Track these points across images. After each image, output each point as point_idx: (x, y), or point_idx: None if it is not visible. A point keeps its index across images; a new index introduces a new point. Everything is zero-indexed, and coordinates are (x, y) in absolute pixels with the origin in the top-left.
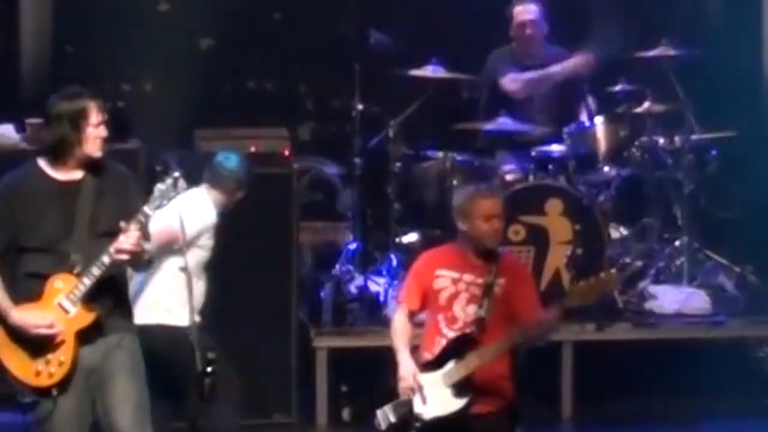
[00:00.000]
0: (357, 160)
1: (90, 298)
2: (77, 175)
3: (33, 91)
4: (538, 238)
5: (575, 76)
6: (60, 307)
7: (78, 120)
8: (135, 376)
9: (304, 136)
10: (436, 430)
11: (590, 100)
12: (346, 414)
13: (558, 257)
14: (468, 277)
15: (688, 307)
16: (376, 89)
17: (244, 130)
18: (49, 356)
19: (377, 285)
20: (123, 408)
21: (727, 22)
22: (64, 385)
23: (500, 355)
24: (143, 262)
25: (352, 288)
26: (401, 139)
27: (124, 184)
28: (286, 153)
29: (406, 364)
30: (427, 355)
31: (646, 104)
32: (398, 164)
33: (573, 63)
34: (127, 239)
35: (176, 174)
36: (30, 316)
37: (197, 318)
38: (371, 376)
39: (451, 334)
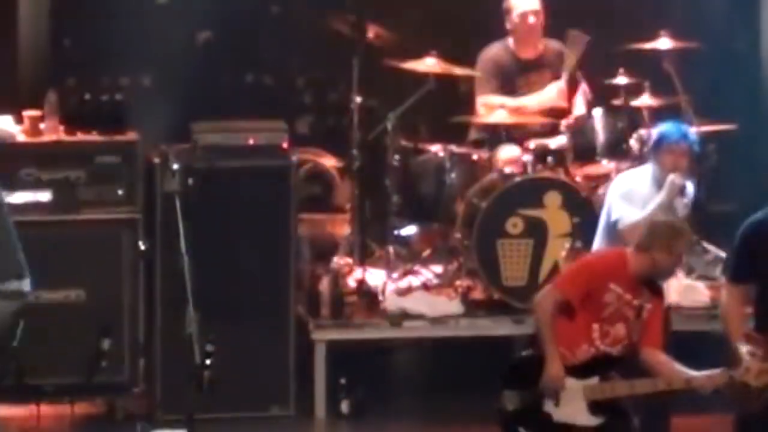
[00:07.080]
0: (355, 153)
1: None
2: None
3: (31, 83)
4: (537, 231)
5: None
6: None
7: None
8: None
9: (302, 129)
10: (555, 429)
11: (585, 89)
12: (344, 407)
13: (557, 250)
14: (628, 296)
15: (686, 299)
16: (374, 82)
17: (242, 123)
18: None
19: (376, 278)
20: None
21: (726, 14)
22: None
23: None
24: None
25: (351, 281)
26: (399, 132)
27: None
28: (285, 145)
29: (557, 367)
30: (569, 356)
31: (645, 97)
32: (396, 157)
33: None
34: None
35: (174, 167)
36: None
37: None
38: (370, 368)
39: (602, 348)
